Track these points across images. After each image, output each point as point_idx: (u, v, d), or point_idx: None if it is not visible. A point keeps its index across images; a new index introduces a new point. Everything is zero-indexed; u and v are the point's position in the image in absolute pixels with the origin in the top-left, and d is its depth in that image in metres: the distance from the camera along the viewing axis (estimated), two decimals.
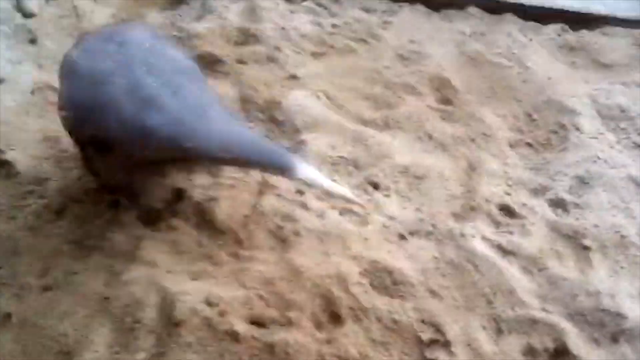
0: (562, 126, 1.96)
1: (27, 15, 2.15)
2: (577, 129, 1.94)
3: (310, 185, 1.61)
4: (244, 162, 1.59)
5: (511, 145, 1.94)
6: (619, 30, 2.27)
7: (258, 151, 1.55)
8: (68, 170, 1.87)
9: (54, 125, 1.98)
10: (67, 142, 1.94)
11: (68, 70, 1.60)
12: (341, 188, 1.65)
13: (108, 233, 1.67)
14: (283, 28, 2.31)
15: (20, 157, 1.91)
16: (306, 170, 1.53)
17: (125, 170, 1.65)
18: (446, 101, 2.07)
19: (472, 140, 1.95)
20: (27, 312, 1.50)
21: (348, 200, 1.64)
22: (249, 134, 1.63)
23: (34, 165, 1.89)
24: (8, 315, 1.50)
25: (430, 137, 1.95)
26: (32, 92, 2.07)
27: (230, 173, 1.81)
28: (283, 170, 1.54)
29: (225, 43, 2.25)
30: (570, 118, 1.97)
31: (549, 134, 1.96)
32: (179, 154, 1.55)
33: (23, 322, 1.49)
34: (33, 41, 2.21)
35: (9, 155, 1.91)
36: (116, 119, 1.47)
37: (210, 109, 1.55)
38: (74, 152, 1.85)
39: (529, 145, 1.94)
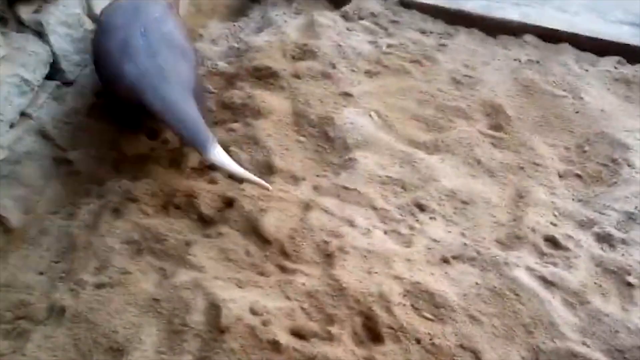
0: (614, 160, 1.95)
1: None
2: (629, 164, 1.93)
3: (220, 167, 1.83)
4: (173, 129, 1.87)
5: (561, 176, 1.95)
6: None
7: (186, 126, 1.83)
8: (126, 172, 1.95)
9: (115, 127, 2.08)
10: (125, 144, 2.04)
11: (97, 20, 2.14)
12: (247, 173, 1.82)
13: (161, 235, 1.73)
14: (340, 45, 2.36)
15: (82, 157, 2.00)
16: (218, 155, 1.80)
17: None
18: (497, 127, 2.08)
19: (522, 168, 1.96)
20: (80, 308, 1.57)
21: (255, 183, 1.82)
22: (188, 110, 1.85)
23: (94, 165, 1.98)
24: (63, 309, 1.58)
25: (479, 162, 1.97)
26: (96, 95, 2.16)
27: (279, 186, 1.86)
28: (199, 149, 1.82)
29: (282, 57, 2.31)
30: (622, 153, 1.96)
31: (599, 167, 1.95)
32: (138, 101, 1.86)
33: (76, 317, 1.55)
34: None
35: (71, 155, 2.00)
36: (106, 62, 1.95)
37: (172, 79, 1.88)
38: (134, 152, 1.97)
39: (579, 177, 1.94)
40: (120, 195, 1.86)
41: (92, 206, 1.84)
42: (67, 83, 2.14)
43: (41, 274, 1.71)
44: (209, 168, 1.95)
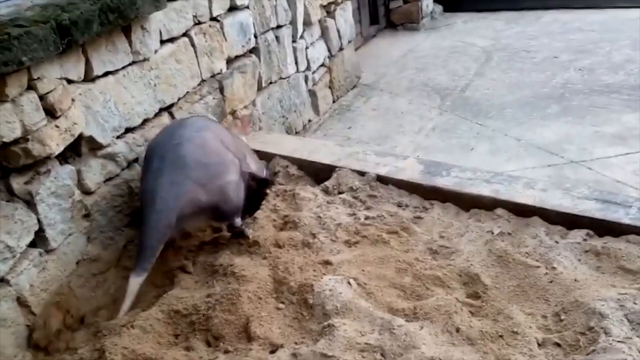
0: (591, 328, 1.96)
1: None
2: (606, 332, 1.93)
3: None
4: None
5: (540, 344, 1.93)
6: None
7: (141, 241, 2.21)
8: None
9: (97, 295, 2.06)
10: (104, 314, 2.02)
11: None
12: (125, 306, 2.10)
13: None
14: (320, 217, 2.44)
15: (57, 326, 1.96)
16: (134, 283, 2.12)
17: None
18: (475, 296, 2.11)
19: (501, 336, 1.95)
20: None
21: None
22: (150, 233, 2.19)
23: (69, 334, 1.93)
24: None
25: (458, 330, 1.97)
26: (77, 263, 2.18)
27: (257, 354, 1.83)
28: (136, 263, 2.17)
29: (264, 228, 2.38)
30: (598, 321, 1.97)
31: (577, 336, 1.94)
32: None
33: None
34: None
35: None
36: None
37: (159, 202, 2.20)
38: None
39: (558, 345, 1.93)
40: None
41: None
42: (50, 250, 2.17)
43: None
44: None
